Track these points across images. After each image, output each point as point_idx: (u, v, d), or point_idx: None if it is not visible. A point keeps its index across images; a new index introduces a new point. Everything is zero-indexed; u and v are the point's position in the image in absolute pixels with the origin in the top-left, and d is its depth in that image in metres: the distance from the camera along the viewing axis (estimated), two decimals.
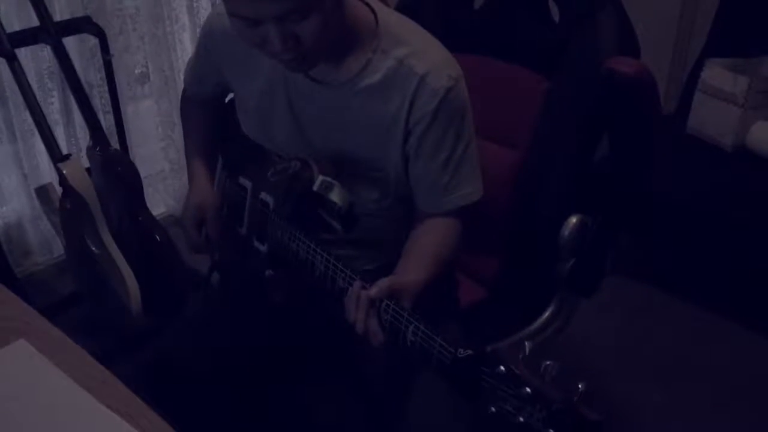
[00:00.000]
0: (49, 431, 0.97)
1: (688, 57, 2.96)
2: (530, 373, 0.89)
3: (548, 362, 0.88)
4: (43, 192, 2.10)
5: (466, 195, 1.28)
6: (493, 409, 0.90)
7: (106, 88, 2.27)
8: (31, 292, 2.01)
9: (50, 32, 1.93)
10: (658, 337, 2.32)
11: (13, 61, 1.85)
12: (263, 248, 1.32)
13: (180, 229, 1.49)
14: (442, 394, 1.09)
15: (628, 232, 2.34)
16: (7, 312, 1.17)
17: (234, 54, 1.31)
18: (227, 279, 1.57)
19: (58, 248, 2.41)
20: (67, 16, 2.24)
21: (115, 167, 1.94)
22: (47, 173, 2.30)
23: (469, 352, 0.98)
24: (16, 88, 1.93)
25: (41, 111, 1.88)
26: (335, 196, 1.19)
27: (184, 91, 1.56)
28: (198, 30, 2.40)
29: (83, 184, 1.83)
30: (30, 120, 1.95)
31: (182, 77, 1.59)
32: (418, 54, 1.21)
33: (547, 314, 1.56)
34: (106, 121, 2.32)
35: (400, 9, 1.65)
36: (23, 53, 2.10)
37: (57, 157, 1.85)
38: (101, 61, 2.20)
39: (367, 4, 1.24)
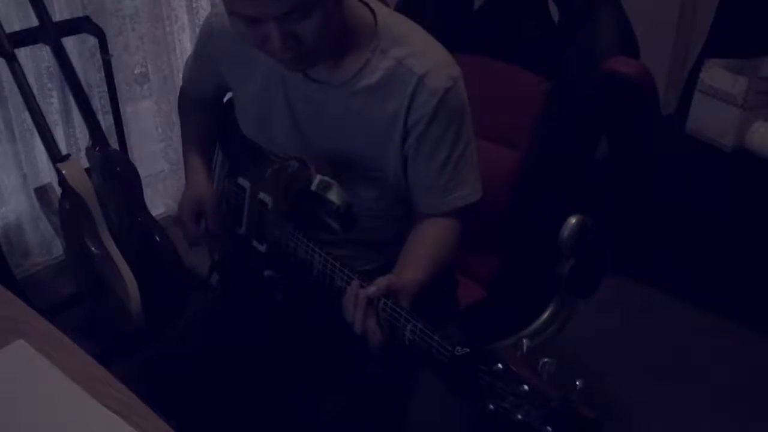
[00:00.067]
0: (48, 431, 0.97)
1: (688, 57, 2.96)
2: (528, 371, 0.89)
3: (545, 360, 0.88)
4: (42, 192, 2.10)
5: (465, 196, 1.28)
6: (491, 406, 0.90)
7: (106, 89, 2.27)
8: (31, 292, 2.01)
9: (50, 32, 1.93)
10: (657, 338, 2.32)
11: (12, 62, 1.85)
12: (262, 248, 1.32)
13: (180, 229, 1.49)
14: (441, 393, 1.09)
15: (628, 232, 2.35)
16: (6, 312, 1.17)
17: (233, 54, 1.31)
18: (227, 279, 1.57)
19: (58, 249, 2.41)
20: (66, 16, 2.24)
21: (115, 167, 1.94)
22: (47, 173, 2.30)
23: (467, 350, 0.98)
24: (15, 88, 1.93)
25: (41, 111, 1.89)
26: (333, 195, 1.19)
27: (182, 88, 1.56)
28: (197, 30, 2.40)
29: (83, 185, 1.83)
30: (29, 120, 1.95)
31: (181, 77, 1.59)
32: (417, 54, 1.21)
33: (546, 315, 1.56)
34: (106, 122, 2.32)
35: (400, 9, 1.65)
36: (23, 53, 2.10)
37: (56, 157, 1.85)
38: (101, 62, 2.20)
39: (367, 4, 1.24)
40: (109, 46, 2.17)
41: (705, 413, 2.03)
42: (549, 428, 0.85)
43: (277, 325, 1.37)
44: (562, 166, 1.56)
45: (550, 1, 1.64)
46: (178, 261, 1.99)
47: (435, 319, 1.06)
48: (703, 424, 2.00)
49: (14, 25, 2.09)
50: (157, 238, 1.99)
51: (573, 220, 1.47)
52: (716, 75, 2.46)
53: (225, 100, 1.54)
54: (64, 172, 1.83)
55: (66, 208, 1.90)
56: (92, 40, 2.23)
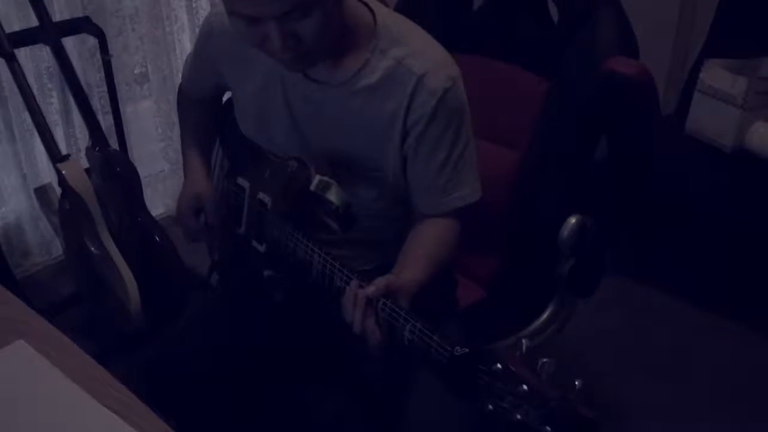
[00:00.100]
0: (48, 431, 0.97)
1: (687, 57, 2.96)
2: (527, 371, 0.89)
3: (544, 360, 0.89)
4: (42, 192, 2.10)
5: (465, 196, 1.28)
6: (490, 406, 0.90)
7: (106, 89, 2.27)
8: (30, 292, 2.01)
9: (49, 32, 1.94)
10: (657, 337, 2.32)
11: (12, 62, 1.86)
12: (262, 248, 1.32)
13: (179, 225, 1.49)
14: (440, 393, 1.09)
15: (627, 232, 2.35)
16: (6, 312, 1.17)
17: (232, 54, 1.31)
18: (227, 279, 1.57)
19: (57, 249, 2.41)
20: (66, 17, 2.24)
21: (115, 167, 1.95)
22: (46, 174, 2.30)
23: (466, 350, 0.98)
24: (15, 88, 1.93)
25: (40, 111, 1.89)
26: (332, 195, 1.19)
27: (181, 86, 1.56)
28: (197, 30, 2.40)
29: (82, 185, 1.83)
30: (29, 120, 1.95)
31: (181, 75, 1.59)
32: (417, 54, 1.21)
33: (546, 314, 1.56)
34: (106, 122, 2.32)
35: (400, 9, 1.65)
36: (23, 53, 2.10)
37: (56, 157, 1.85)
38: (100, 62, 2.21)
39: (366, 4, 1.24)
40: (109, 46, 2.17)
41: (705, 413, 2.03)
42: (548, 428, 0.85)
43: (276, 325, 1.38)
44: (561, 166, 1.56)
45: (550, 1, 1.64)
46: (178, 261, 1.99)
47: (434, 319, 1.06)
48: (703, 424, 2.00)
49: (14, 25, 2.09)
50: (157, 238, 1.99)
51: (573, 220, 1.47)
52: (716, 75, 2.46)
53: (224, 99, 1.54)
54: (64, 172, 1.83)
55: (66, 208, 1.90)
56: (92, 40, 2.23)
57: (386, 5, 1.32)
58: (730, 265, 2.30)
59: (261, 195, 1.32)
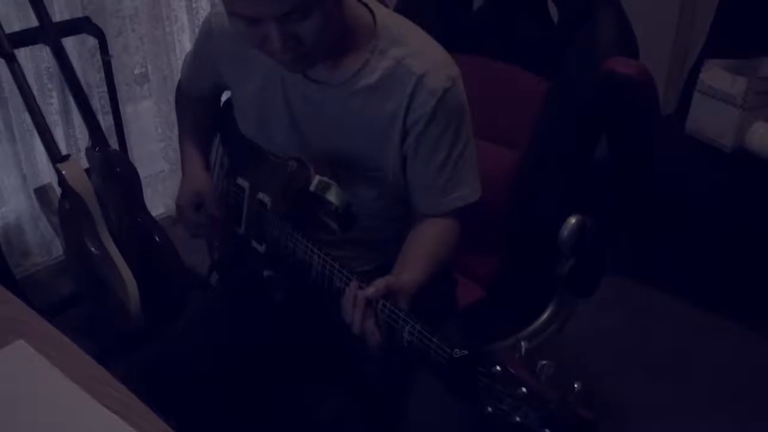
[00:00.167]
0: (48, 431, 0.98)
1: (687, 58, 2.96)
2: (526, 373, 0.89)
3: (544, 362, 0.89)
4: (42, 192, 2.10)
5: (465, 196, 1.28)
6: (489, 408, 0.90)
7: (106, 89, 2.27)
8: (30, 292, 2.01)
9: (49, 33, 1.94)
10: (657, 338, 2.32)
11: (12, 62, 1.85)
12: (261, 248, 1.32)
13: (180, 219, 1.48)
14: (439, 394, 1.09)
15: (627, 232, 2.35)
16: (6, 312, 1.17)
17: (232, 53, 1.31)
18: (227, 279, 1.57)
19: (57, 249, 2.41)
20: (66, 17, 2.24)
21: (114, 168, 1.95)
22: (46, 174, 2.30)
23: (465, 352, 0.98)
24: (15, 88, 1.93)
25: (40, 111, 1.89)
26: (332, 196, 1.19)
27: (180, 85, 1.56)
28: (197, 30, 2.40)
29: (82, 185, 1.83)
30: (29, 120, 1.95)
31: (180, 73, 1.59)
32: (416, 54, 1.21)
33: (546, 315, 1.56)
34: (105, 122, 2.32)
35: (399, 9, 1.66)
36: (22, 54, 2.10)
37: (56, 157, 1.85)
38: (100, 62, 2.21)
39: (366, 5, 1.24)
40: (108, 46, 2.17)
41: (705, 413, 2.03)
42: (547, 430, 0.85)
43: (276, 325, 1.38)
44: (561, 166, 1.56)
45: (550, 1, 1.64)
46: (178, 261, 1.99)
47: (434, 319, 1.06)
48: (703, 424, 2.01)
49: (14, 26, 2.09)
50: (157, 238, 1.99)
51: (572, 220, 1.47)
52: (716, 75, 2.46)
53: (223, 99, 1.54)
54: (63, 172, 1.83)
55: (66, 209, 1.90)
56: (92, 41, 2.23)
57: (386, 5, 1.32)
58: (730, 265, 2.30)
59: (261, 195, 1.32)
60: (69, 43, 2.16)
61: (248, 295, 1.40)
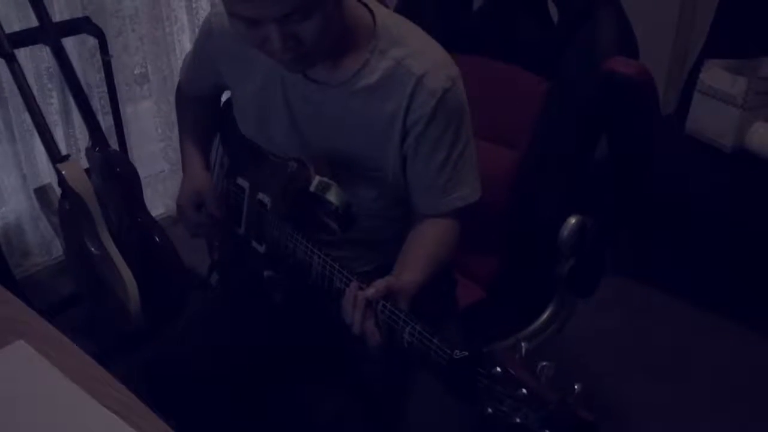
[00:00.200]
0: (48, 431, 0.98)
1: (687, 58, 2.96)
2: (526, 374, 0.89)
3: (544, 363, 0.88)
4: (42, 193, 2.10)
5: (465, 196, 1.28)
6: (489, 410, 0.90)
7: (106, 89, 2.27)
8: (30, 292, 2.01)
9: (49, 33, 1.94)
10: (657, 338, 2.32)
11: (12, 62, 1.85)
12: (261, 249, 1.32)
13: (180, 219, 1.48)
14: (440, 394, 1.09)
15: (627, 232, 2.35)
16: (6, 312, 1.17)
17: (232, 53, 1.31)
18: (227, 279, 1.57)
19: (57, 249, 2.41)
20: (66, 17, 2.24)
21: (114, 168, 1.95)
22: (46, 174, 2.30)
23: (465, 353, 0.98)
24: (15, 88, 1.93)
25: (40, 112, 1.89)
26: (332, 196, 1.19)
27: (180, 84, 1.56)
28: (197, 30, 2.40)
29: (82, 185, 1.84)
30: (29, 120, 1.95)
31: (179, 73, 1.59)
32: (416, 54, 1.21)
33: (546, 315, 1.56)
34: (105, 122, 2.32)
35: (399, 10, 1.66)
36: (22, 54, 2.10)
37: (56, 157, 1.85)
38: (100, 62, 2.21)
39: (365, 5, 1.24)
40: (108, 46, 2.17)
41: (705, 413, 2.03)
42: (547, 431, 0.85)
43: (276, 325, 1.38)
44: (561, 166, 1.56)
45: (550, 1, 1.64)
46: (178, 261, 1.99)
47: (434, 319, 1.06)
48: (703, 424, 2.01)
49: (14, 26, 2.09)
50: (157, 239, 1.99)
51: (572, 220, 1.47)
52: (716, 75, 2.46)
53: (223, 99, 1.54)
54: (63, 172, 1.83)
55: (66, 209, 1.90)
56: (92, 41, 2.23)
57: (386, 6, 1.32)
58: (730, 265, 2.30)
59: (261, 195, 1.32)
60: (69, 43, 2.16)
61: (248, 295, 1.40)
